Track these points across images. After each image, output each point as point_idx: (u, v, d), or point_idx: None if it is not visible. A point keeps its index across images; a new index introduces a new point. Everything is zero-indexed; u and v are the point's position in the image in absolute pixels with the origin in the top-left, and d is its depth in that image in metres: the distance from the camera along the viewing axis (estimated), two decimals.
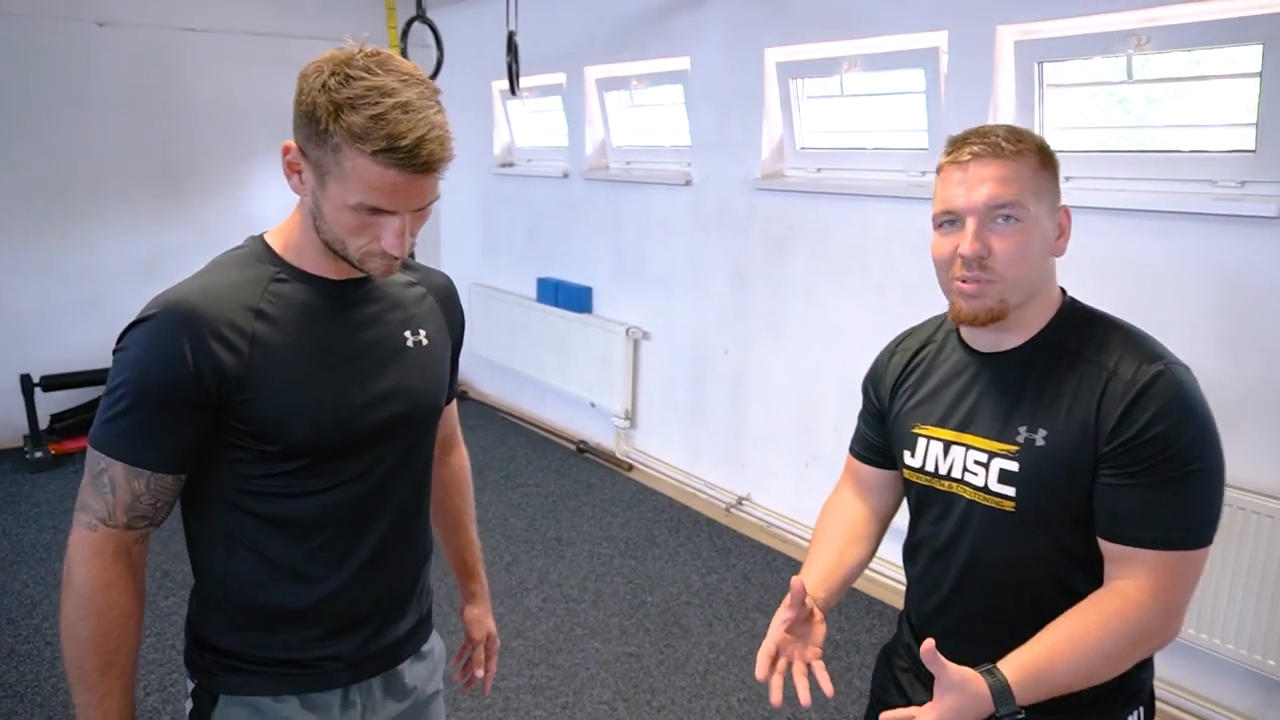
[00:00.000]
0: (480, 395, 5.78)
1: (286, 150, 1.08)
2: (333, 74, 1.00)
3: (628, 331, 4.44)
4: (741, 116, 3.74)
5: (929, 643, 1.03)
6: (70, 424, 4.72)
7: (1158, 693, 1.34)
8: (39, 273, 4.73)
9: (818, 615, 1.20)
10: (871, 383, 1.41)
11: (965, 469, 1.20)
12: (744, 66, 3.67)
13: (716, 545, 3.78)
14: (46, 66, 4.58)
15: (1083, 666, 1.06)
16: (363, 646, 1.22)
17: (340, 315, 1.17)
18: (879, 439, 1.38)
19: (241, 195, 5.21)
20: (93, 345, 4.77)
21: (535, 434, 5.19)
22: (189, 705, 1.21)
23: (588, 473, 4.59)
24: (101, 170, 4.82)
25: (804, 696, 1.12)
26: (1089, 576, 1.14)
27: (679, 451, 4.36)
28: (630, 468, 4.58)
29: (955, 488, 1.22)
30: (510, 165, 5.43)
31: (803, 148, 3.61)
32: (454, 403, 1.45)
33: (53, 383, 4.58)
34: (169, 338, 1.05)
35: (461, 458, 1.53)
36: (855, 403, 3.71)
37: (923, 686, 1.29)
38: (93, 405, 4.79)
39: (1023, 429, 1.15)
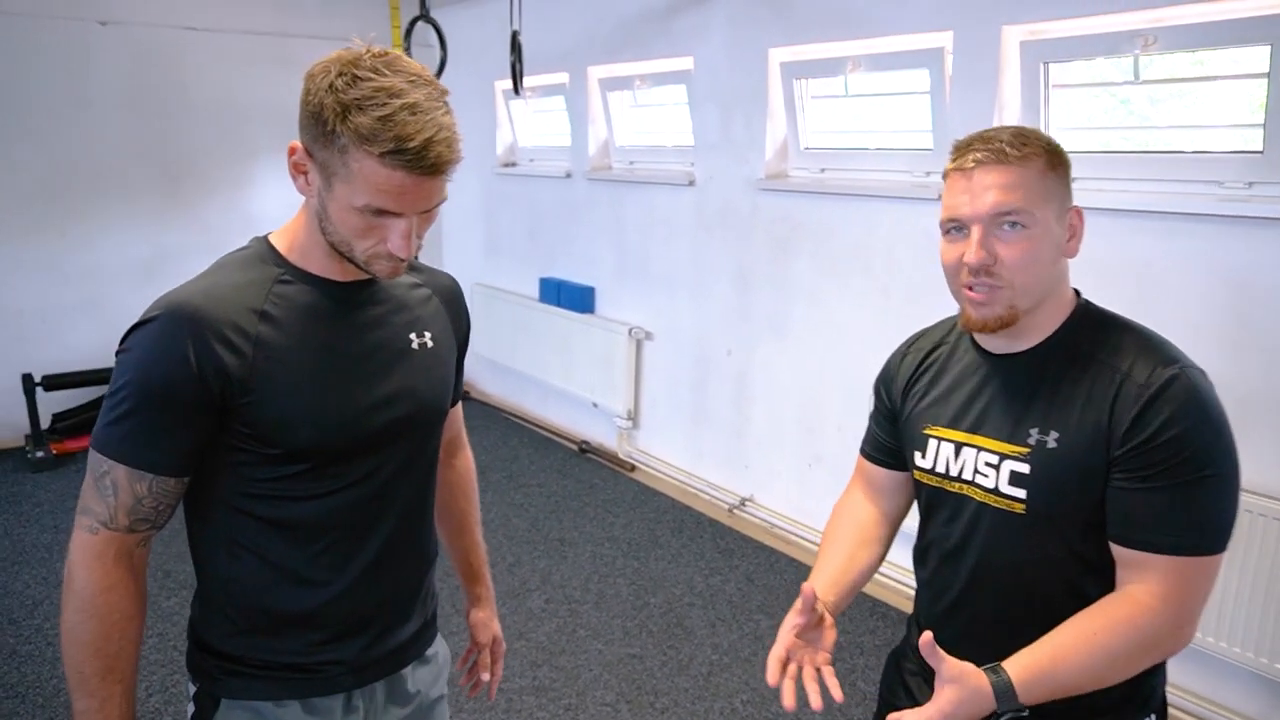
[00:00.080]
0: (482, 395, 5.77)
1: (292, 151, 1.07)
2: (340, 74, 0.99)
3: (630, 332, 4.43)
4: (745, 116, 3.73)
5: (927, 635, 1.03)
6: (72, 423, 4.71)
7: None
8: (40, 272, 4.73)
9: (828, 620, 1.19)
10: (883, 383, 1.40)
11: (976, 470, 1.19)
12: (748, 66, 3.66)
13: (719, 546, 3.77)
14: (48, 66, 4.58)
15: (1089, 669, 1.05)
16: (366, 651, 1.21)
17: (345, 317, 1.16)
18: (890, 440, 1.37)
19: (242, 195, 5.20)
20: (94, 345, 4.77)
21: (537, 434, 5.18)
22: (190, 709, 1.20)
23: (590, 473, 4.58)
24: (102, 170, 4.81)
25: (815, 701, 1.11)
26: (1099, 580, 1.13)
27: (682, 452, 4.35)
28: (633, 468, 4.57)
29: (965, 489, 1.21)
30: (513, 165, 5.42)
31: (807, 148, 3.60)
32: (459, 405, 1.45)
33: (54, 382, 4.57)
34: (172, 339, 1.04)
35: (467, 460, 1.52)
36: (859, 403, 3.70)
37: (931, 690, 1.28)
38: (94, 405, 4.79)
39: (1034, 431, 1.14)
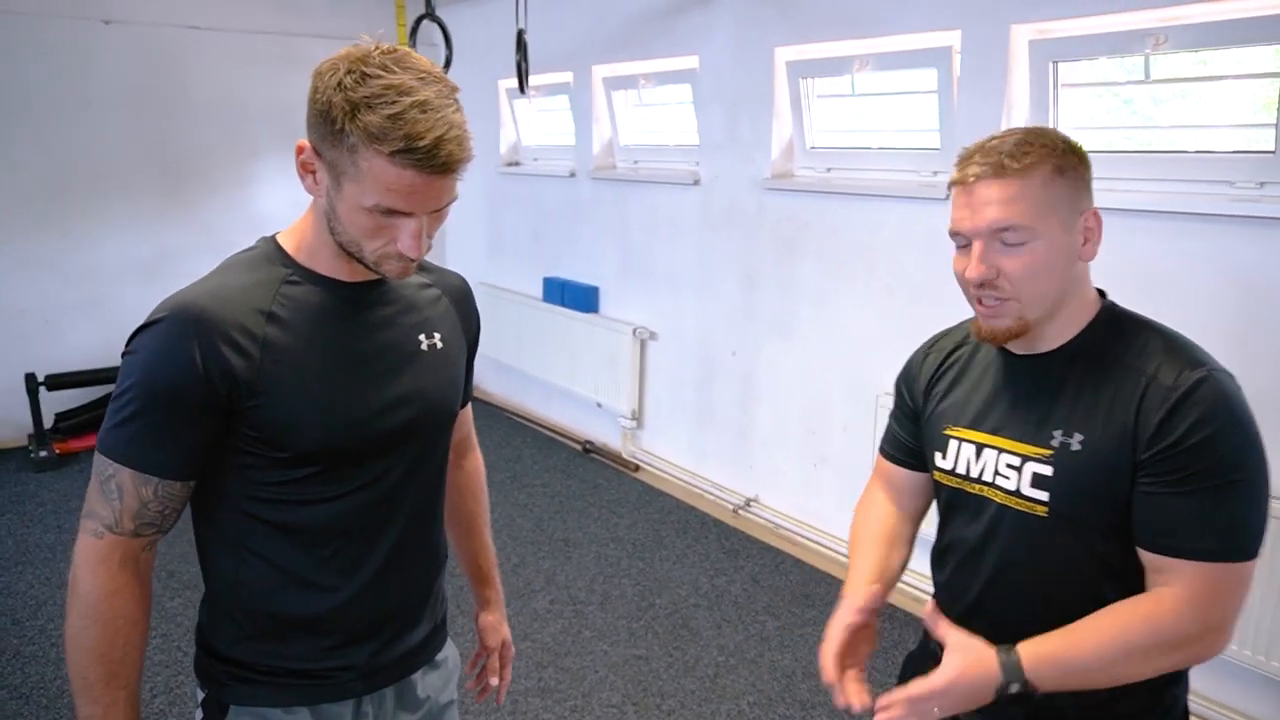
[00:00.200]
0: (486, 395, 5.75)
1: (300, 150, 1.05)
2: (349, 72, 0.98)
3: (635, 332, 4.42)
4: (750, 116, 3.71)
5: (930, 604, 1.05)
6: (75, 423, 4.71)
7: None
8: (42, 272, 4.72)
9: (874, 628, 1.19)
10: (905, 382, 1.38)
11: (996, 472, 1.18)
12: (753, 66, 3.64)
13: (724, 547, 3.76)
14: (50, 64, 4.57)
15: (1102, 660, 1.04)
16: (376, 656, 1.20)
17: (353, 318, 1.14)
18: (911, 440, 1.36)
19: (245, 195, 5.19)
20: (96, 344, 4.77)
21: (541, 434, 5.17)
22: (199, 715, 1.19)
23: (594, 473, 4.57)
24: (105, 169, 4.80)
25: (861, 700, 1.12)
26: (1120, 585, 1.11)
27: (686, 452, 4.33)
28: (637, 468, 4.56)
29: (986, 491, 1.20)
30: (517, 164, 5.41)
31: (812, 147, 3.58)
32: (469, 406, 1.43)
33: (57, 382, 4.57)
34: (178, 341, 1.02)
35: (476, 461, 1.51)
36: (864, 404, 3.68)
37: None
38: (97, 404, 4.78)
39: (1058, 433, 1.12)
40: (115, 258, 4.89)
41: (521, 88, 4.03)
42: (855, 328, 3.41)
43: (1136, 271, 2.53)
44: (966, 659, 1.05)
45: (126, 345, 1.06)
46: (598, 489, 4.36)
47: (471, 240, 5.79)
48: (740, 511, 3.97)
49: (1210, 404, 1.04)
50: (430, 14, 3.95)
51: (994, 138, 1.13)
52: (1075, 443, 1.11)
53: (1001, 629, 1.20)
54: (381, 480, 1.16)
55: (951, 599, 1.27)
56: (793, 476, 3.78)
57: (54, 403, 4.67)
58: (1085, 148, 1.15)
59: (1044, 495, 1.13)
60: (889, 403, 3.14)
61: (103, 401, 4.77)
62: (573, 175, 4.80)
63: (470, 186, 5.64)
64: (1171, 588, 1.06)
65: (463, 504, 1.47)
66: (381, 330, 1.16)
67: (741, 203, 3.82)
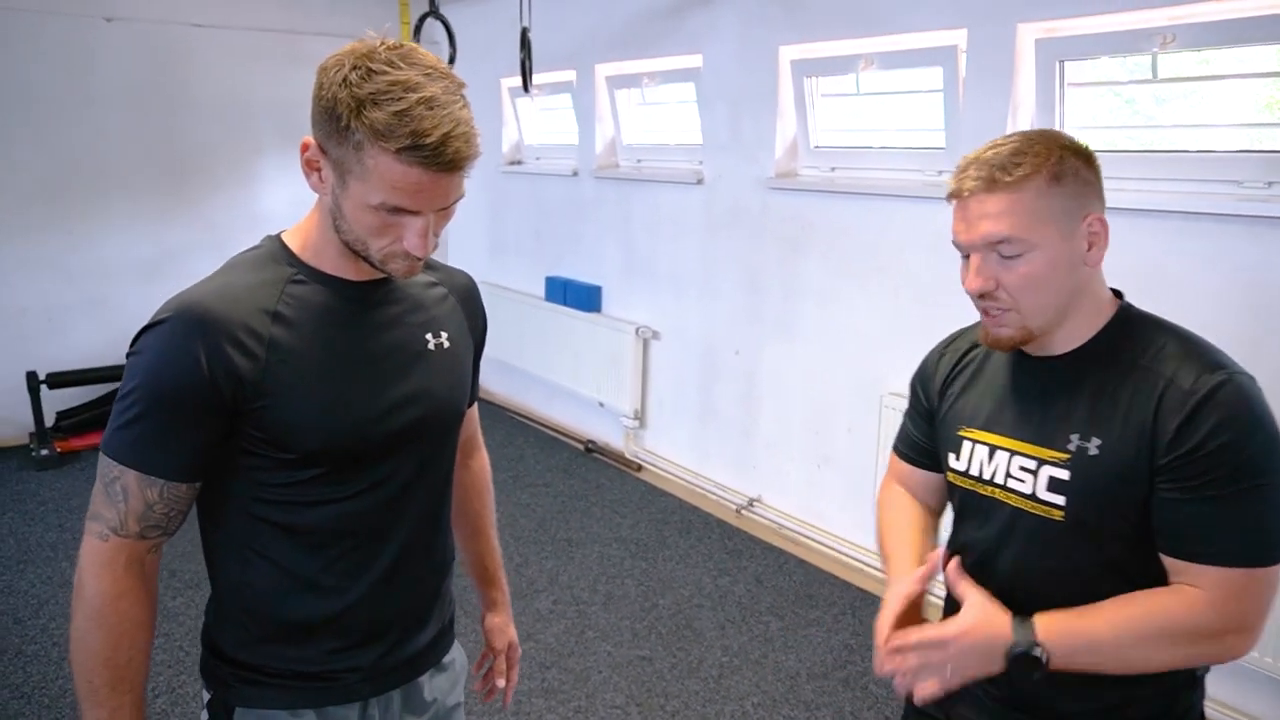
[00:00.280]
0: (488, 394, 5.74)
1: (305, 147, 1.04)
2: (354, 68, 0.97)
3: (637, 331, 4.41)
4: (754, 115, 3.70)
5: (954, 561, 1.08)
6: (76, 421, 4.70)
7: None
8: (44, 270, 4.71)
9: (921, 605, 1.17)
10: (920, 382, 1.37)
11: (1009, 475, 1.17)
12: (757, 64, 3.63)
13: (728, 547, 3.75)
14: (52, 62, 4.56)
15: (1117, 643, 1.04)
16: (383, 658, 1.19)
17: (360, 318, 1.13)
18: (925, 440, 1.35)
19: (248, 193, 5.19)
20: (98, 343, 4.76)
21: (543, 434, 5.16)
22: (204, 717, 1.18)
23: (596, 473, 4.56)
24: (107, 167, 4.79)
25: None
26: (1136, 590, 1.10)
27: (689, 452, 4.32)
28: (639, 468, 4.55)
29: (998, 494, 1.19)
30: (519, 163, 5.40)
31: (817, 146, 3.57)
32: (475, 405, 1.42)
33: (59, 380, 4.56)
34: (183, 342, 1.01)
35: (482, 461, 1.50)
36: (868, 405, 3.66)
37: (956, 696, 1.26)
38: (99, 403, 4.78)
39: (1075, 437, 1.11)
40: (117, 256, 4.88)
41: (525, 86, 4.03)
42: (859, 328, 3.39)
43: (1142, 271, 2.52)
44: (982, 615, 1.06)
45: (131, 346, 1.05)
46: (600, 489, 4.35)
47: (473, 239, 5.78)
48: (743, 512, 3.96)
49: (1231, 407, 1.03)
50: (434, 11, 3.94)
51: (991, 146, 1.12)
52: (1093, 447, 1.09)
53: None
54: (389, 481, 1.15)
55: None
56: (796, 477, 3.77)
57: (55, 401, 4.66)
58: (1092, 148, 1.14)
59: (1061, 500, 1.12)
60: (894, 403, 3.17)
61: (104, 400, 4.77)
62: (575, 174, 4.79)
63: (472, 185, 5.53)
64: (1196, 590, 1.05)
65: (469, 504, 1.46)
66: (388, 330, 1.15)
67: (745, 202, 3.81)
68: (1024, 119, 2.79)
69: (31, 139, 4.56)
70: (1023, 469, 1.15)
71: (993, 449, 1.20)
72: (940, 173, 3.11)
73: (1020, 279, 1.10)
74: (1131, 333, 1.14)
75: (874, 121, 3.49)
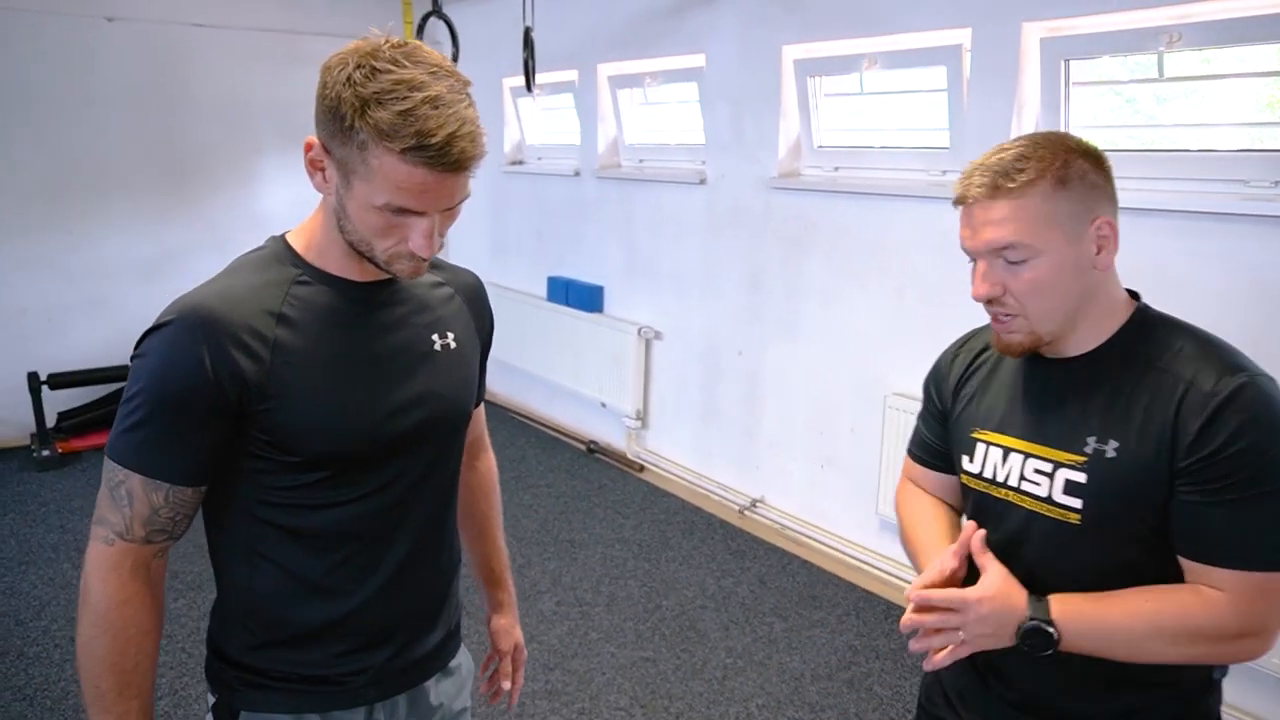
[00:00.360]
0: (490, 395, 5.70)
1: (309, 147, 1.02)
2: (358, 66, 0.95)
3: (639, 331, 4.40)
4: (757, 114, 3.69)
5: (980, 534, 1.10)
6: (77, 422, 4.69)
7: None
8: (45, 270, 4.71)
9: (960, 581, 1.16)
10: (934, 383, 1.36)
11: (1023, 478, 1.16)
12: (760, 64, 3.62)
13: (731, 548, 3.74)
14: (53, 62, 4.55)
15: (1130, 632, 1.04)
16: (389, 662, 1.18)
17: (365, 319, 1.12)
18: (938, 442, 1.33)
19: (249, 193, 5.18)
20: (99, 343, 4.75)
21: (545, 434, 5.15)
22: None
23: (599, 473, 4.55)
24: (107, 167, 4.78)
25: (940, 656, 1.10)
26: None
27: (691, 453, 4.31)
28: (642, 469, 4.54)
29: (1011, 496, 1.18)
30: (521, 163, 5.39)
31: (820, 146, 3.56)
32: (481, 406, 1.41)
33: (59, 381, 4.55)
34: (187, 344, 1.00)
35: (489, 462, 1.49)
36: (872, 405, 3.65)
37: (970, 702, 1.25)
38: (100, 403, 4.77)
39: (1091, 439, 1.10)
40: (118, 256, 4.87)
41: (528, 86, 4.02)
42: (863, 328, 3.39)
43: (1148, 271, 2.50)
44: (1002, 585, 1.07)
45: (135, 348, 1.04)
46: (603, 489, 4.34)
47: (475, 239, 5.77)
48: (746, 512, 3.95)
49: (1252, 410, 1.01)
50: (437, 10, 3.93)
51: (997, 151, 1.11)
52: (1110, 449, 1.08)
53: None
54: (395, 483, 1.14)
55: None
56: (799, 477, 3.76)
57: (56, 402, 4.65)
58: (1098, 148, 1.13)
59: (1077, 503, 1.11)
60: (897, 403, 3.16)
61: (106, 400, 4.76)
62: (577, 174, 4.78)
63: (474, 185, 5.54)
64: (1215, 590, 1.04)
65: (475, 505, 1.45)
66: (394, 331, 1.14)
67: (748, 202, 3.80)
68: (1028, 119, 2.78)
69: (32, 139, 4.55)
70: (1038, 472, 1.14)
71: (1006, 451, 1.19)
72: (944, 172, 3.10)
73: (1026, 285, 1.09)
74: (1148, 334, 1.12)
75: (878, 121, 3.48)
